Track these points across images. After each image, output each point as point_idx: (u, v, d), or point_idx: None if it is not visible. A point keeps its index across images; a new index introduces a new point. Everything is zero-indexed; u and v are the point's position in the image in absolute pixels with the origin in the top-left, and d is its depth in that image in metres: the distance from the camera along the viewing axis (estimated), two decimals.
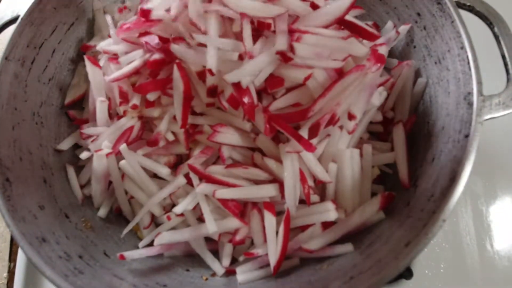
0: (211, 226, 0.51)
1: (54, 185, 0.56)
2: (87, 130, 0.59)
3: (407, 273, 0.59)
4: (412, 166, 0.53)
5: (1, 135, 0.52)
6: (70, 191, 0.59)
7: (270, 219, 0.51)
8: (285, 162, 0.50)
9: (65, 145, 0.62)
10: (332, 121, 0.48)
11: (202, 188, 0.52)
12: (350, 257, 0.49)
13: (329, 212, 0.50)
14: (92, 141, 0.58)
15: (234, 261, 0.56)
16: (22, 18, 0.57)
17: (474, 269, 0.61)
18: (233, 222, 0.52)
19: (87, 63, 0.59)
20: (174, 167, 0.57)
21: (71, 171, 0.60)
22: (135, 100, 0.56)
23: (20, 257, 0.67)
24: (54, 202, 0.54)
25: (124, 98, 0.56)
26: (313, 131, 0.48)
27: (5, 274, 0.69)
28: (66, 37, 0.64)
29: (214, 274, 0.55)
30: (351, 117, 0.49)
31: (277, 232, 0.51)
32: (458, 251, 0.62)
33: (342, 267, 0.47)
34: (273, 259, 0.50)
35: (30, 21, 0.58)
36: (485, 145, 0.67)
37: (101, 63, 0.60)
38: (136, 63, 0.55)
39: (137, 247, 0.56)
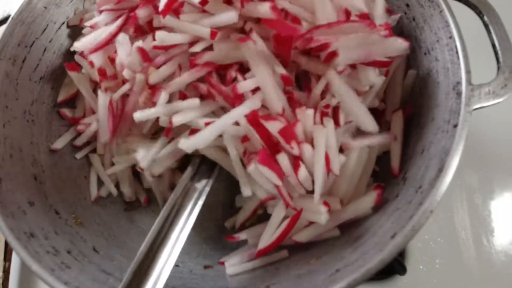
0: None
1: (44, 181, 0.57)
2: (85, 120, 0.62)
3: (401, 269, 0.58)
4: (402, 158, 0.52)
5: None
6: (61, 188, 0.59)
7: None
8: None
9: (59, 144, 0.62)
10: (325, 48, 0.47)
11: None
12: (338, 250, 0.48)
13: (321, 216, 0.48)
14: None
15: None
16: (12, 18, 0.58)
17: (470, 264, 0.60)
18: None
19: (68, 72, 0.61)
20: None
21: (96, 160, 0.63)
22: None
23: (15, 256, 0.68)
24: (44, 198, 0.55)
25: (103, 74, 0.56)
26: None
27: (0, 274, 0.69)
28: (57, 35, 0.64)
29: (207, 266, 0.55)
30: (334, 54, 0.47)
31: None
32: (453, 246, 0.61)
33: (330, 260, 0.47)
34: (262, 244, 0.50)
35: (20, 20, 0.58)
36: (480, 138, 0.66)
37: None
38: (111, 29, 0.55)
39: None
